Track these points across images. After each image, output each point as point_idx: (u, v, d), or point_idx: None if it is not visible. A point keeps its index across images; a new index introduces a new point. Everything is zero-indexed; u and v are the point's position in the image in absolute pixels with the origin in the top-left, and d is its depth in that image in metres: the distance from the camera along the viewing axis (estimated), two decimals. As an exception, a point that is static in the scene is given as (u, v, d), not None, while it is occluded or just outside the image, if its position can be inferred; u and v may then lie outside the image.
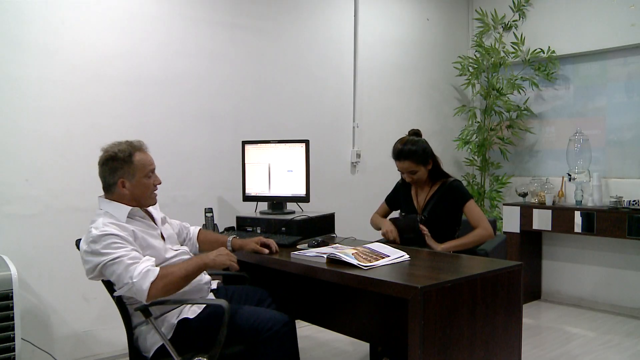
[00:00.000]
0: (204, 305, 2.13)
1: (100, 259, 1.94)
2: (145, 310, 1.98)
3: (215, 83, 3.63)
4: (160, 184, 2.21)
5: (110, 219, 2.04)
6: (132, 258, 1.94)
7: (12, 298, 2.40)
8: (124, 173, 2.09)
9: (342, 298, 2.72)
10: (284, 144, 3.10)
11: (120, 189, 2.10)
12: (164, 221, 2.33)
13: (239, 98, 3.75)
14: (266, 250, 2.42)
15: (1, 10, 2.82)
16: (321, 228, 2.89)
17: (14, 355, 2.40)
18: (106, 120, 3.18)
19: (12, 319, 2.40)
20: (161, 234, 2.23)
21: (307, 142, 3.02)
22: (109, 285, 2.06)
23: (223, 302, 1.97)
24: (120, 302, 2.09)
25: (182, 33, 3.47)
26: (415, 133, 2.93)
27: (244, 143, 3.21)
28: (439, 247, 2.71)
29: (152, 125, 3.34)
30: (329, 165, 4.25)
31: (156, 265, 1.99)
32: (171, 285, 1.95)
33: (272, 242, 2.46)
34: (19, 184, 2.89)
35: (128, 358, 2.16)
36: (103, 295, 3.16)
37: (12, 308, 2.39)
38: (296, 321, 3.16)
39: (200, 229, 2.56)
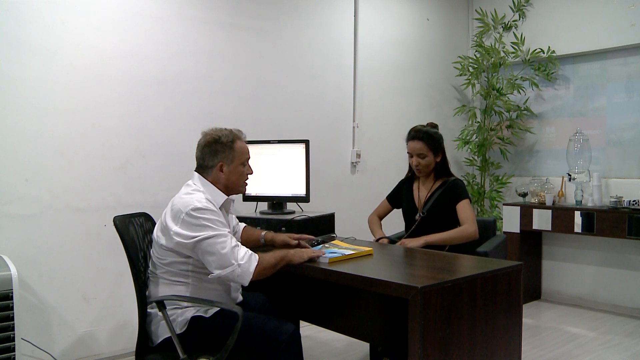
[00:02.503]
0: (219, 308, 2.14)
1: (203, 232, 1.99)
2: (160, 303, 2.02)
3: (215, 83, 3.63)
4: (252, 174, 2.28)
5: (210, 198, 2.11)
6: (234, 240, 2.02)
7: (12, 298, 2.39)
8: (225, 157, 2.17)
9: (342, 298, 2.72)
10: (284, 144, 3.10)
11: (217, 172, 2.17)
12: (231, 221, 2.40)
13: (239, 98, 3.75)
14: (295, 242, 2.43)
15: (1, 10, 2.82)
16: (321, 228, 2.89)
17: (14, 355, 2.40)
18: (106, 121, 3.18)
19: (12, 319, 2.39)
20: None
21: (307, 142, 3.02)
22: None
23: (239, 309, 1.97)
24: (138, 278, 2.09)
25: (182, 33, 3.47)
26: (433, 126, 2.97)
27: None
28: (421, 240, 2.71)
29: (152, 125, 3.34)
30: (329, 165, 4.25)
31: None
32: (265, 271, 2.06)
33: (304, 237, 2.48)
34: (19, 184, 2.89)
35: (129, 358, 2.16)
36: (103, 295, 3.18)
37: (12, 308, 2.39)
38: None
39: (245, 226, 2.59)
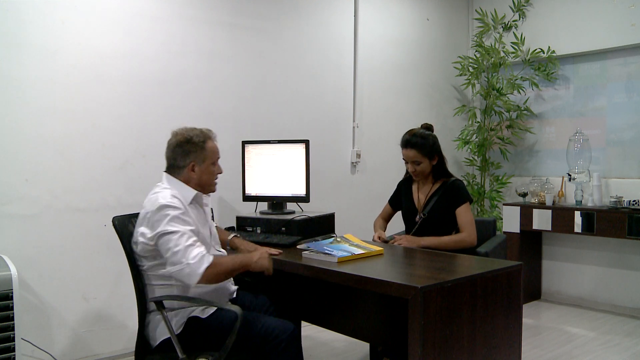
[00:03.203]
0: (216, 308, 2.14)
1: (162, 228, 1.99)
2: (159, 303, 2.02)
3: (215, 83, 3.63)
4: (222, 173, 2.29)
5: (177, 195, 2.10)
6: (191, 238, 2.00)
7: (12, 298, 2.39)
8: (196, 157, 2.18)
9: (342, 298, 2.72)
10: (284, 144, 3.10)
11: (189, 172, 2.18)
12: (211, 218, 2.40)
13: (239, 98, 3.75)
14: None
15: (1, 10, 2.82)
16: (321, 228, 2.88)
17: (14, 355, 2.40)
18: (106, 121, 3.18)
19: (12, 319, 2.39)
20: (210, 230, 2.30)
21: (307, 142, 3.02)
22: (135, 269, 2.10)
23: (237, 309, 1.97)
24: (138, 280, 2.11)
25: (182, 33, 3.47)
26: (428, 127, 2.95)
27: (244, 143, 3.21)
28: (416, 243, 2.72)
29: (152, 126, 3.34)
30: (329, 165, 4.25)
31: None
32: (219, 275, 2.02)
33: (271, 251, 2.43)
34: (19, 184, 2.89)
35: (128, 358, 2.16)
36: (103, 295, 3.18)
37: (12, 308, 2.39)
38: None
39: (215, 226, 2.58)
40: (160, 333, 2.10)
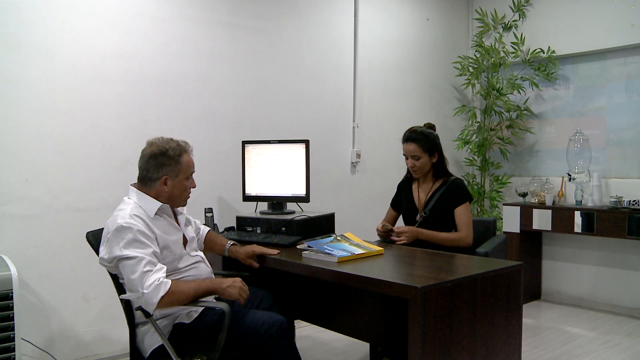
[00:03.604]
0: (202, 309, 2.11)
1: (119, 253, 1.94)
2: (145, 311, 1.98)
3: (215, 83, 3.63)
4: (195, 187, 2.23)
5: (138, 211, 2.04)
6: (149, 263, 1.93)
7: (12, 298, 2.40)
8: (170, 171, 2.11)
9: (342, 298, 2.72)
10: (284, 144, 3.10)
11: (161, 185, 2.11)
12: (187, 223, 2.33)
13: (239, 98, 3.75)
14: (256, 265, 2.39)
15: (1, 10, 2.82)
16: (321, 228, 2.88)
17: (14, 355, 2.40)
18: (106, 121, 3.18)
19: (12, 319, 2.39)
20: (184, 237, 2.23)
21: (307, 142, 3.02)
22: (116, 280, 2.07)
23: (224, 306, 1.95)
24: (122, 291, 2.09)
25: (182, 33, 3.47)
26: (430, 126, 2.97)
27: (244, 143, 3.21)
28: (420, 233, 2.76)
29: (152, 126, 3.34)
30: (329, 165, 4.25)
31: (168, 272, 2.00)
32: (178, 302, 1.97)
33: (268, 251, 2.41)
34: (19, 184, 2.89)
35: (129, 358, 2.16)
36: (103, 295, 3.18)
37: (12, 308, 2.39)
38: (296, 321, 3.18)
39: (209, 231, 2.56)
40: (148, 344, 2.07)
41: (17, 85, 2.88)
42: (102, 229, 2.12)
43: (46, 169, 2.98)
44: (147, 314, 1.97)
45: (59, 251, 3.02)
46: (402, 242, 2.74)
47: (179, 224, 2.23)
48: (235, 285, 2.08)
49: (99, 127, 3.15)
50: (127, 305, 2.08)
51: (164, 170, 2.10)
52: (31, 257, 2.93)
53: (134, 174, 3.25)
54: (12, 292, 2.40)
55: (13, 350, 2.40)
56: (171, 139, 2.17)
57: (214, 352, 1.95)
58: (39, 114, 2.95)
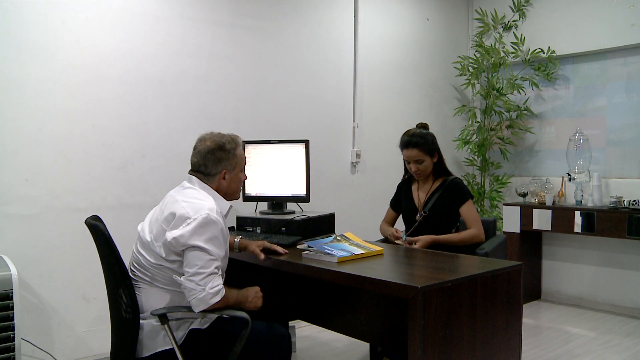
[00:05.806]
0: (216, 317, 2.07)
1: (199, 243, 1.91)
2: (162, 317, 1.95)
3: (215, 83, 3.63)
4: (246, 179, 2.24)
5: (217, 208, 2.02)
6: (219, 267, 1.96)
7: (12, 298, 2.40)
8: (228, 165, 2.13)
9: (342, 298, 2.72)
10: (284, 144, 3.10)
11: (220, 180, 2.13)
12: None
13: (239, 98, 3.75)
14: (262, 256, 2.36)
15: (1, 10, 2.82)
16: (321, 228, 2.88)
17: (14, 355, 2.40)
18: (106, 121, 3.18)
19: (12, 319, 2.39)
20: None
21: (307, 142, 3.02)
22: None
23: (247, 315, 1.93)
24: (126, 281, 2.00)
25: (182, 33, 3.47)
26: (423, 126, 2.98)
27: (244, 143, 3.21)
28: (430, 238, 2.72)
29: (152, 126, 3.34)
30: (329, 165, 4.25)
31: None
32: (219, 308, 1.97)
33: (278, 248, 2.42)
34: (19, 184, 2.89)
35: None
36: (103, 295, 3.16)
37: (12, 308, 2.39)
38: (296, 321, 3.18)
39: None
40: (158, 343, 2.00)
41: (17, 85, 2.88)
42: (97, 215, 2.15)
43: (46, 169, 2.98)
44: (164, 320, 1.94)
45: (59, 251, 3.02)
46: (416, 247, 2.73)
47: None
48: (258, 295, 2.12)
49: (99, 127, 3.15)
50: (131, 296, 1.98)
51: (222, 164, 2.12)
52: (31, 257, 2.93)
53: (134, 174, 3.29)
54: (12, 292, 2.40)
55: (13, 350, 2.40)
56: (222, 133, 2.17)
57: None
58: (39, 114, 2.95)
